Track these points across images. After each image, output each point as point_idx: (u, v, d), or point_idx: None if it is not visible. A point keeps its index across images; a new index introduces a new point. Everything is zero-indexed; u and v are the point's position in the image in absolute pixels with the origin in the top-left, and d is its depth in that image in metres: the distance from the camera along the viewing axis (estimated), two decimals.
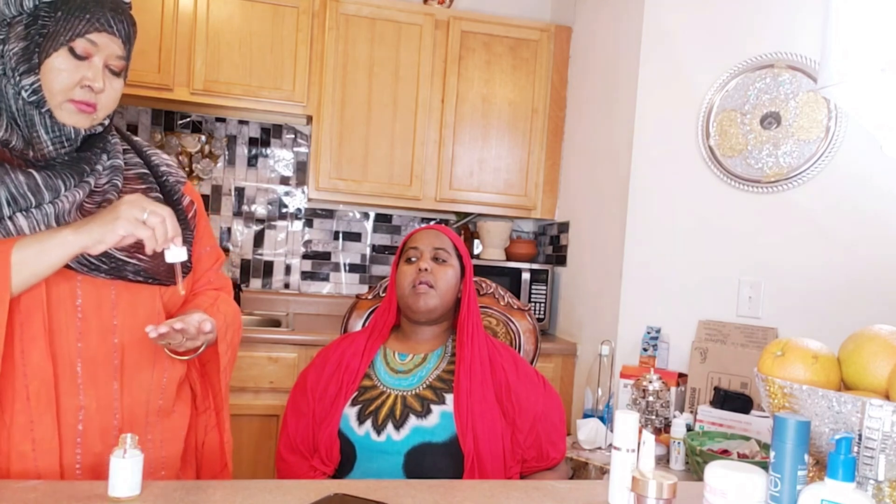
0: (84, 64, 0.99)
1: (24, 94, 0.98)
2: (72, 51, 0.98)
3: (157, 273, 1.07)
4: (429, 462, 1.22)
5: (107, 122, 1.06)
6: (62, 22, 0.97)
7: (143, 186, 1.10)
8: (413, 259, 1.35)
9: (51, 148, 1.00)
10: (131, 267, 1.04)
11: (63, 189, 0.99)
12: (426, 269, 1.32)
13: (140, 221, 0.95)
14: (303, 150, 3.01)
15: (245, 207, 2.97)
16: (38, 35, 0.97)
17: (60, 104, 0.99)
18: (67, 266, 0.98)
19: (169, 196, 1.13)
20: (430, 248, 1.36)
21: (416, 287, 1.31)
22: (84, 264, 1.00)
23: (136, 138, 1.18)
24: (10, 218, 0.96)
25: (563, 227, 2.86)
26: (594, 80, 2.69)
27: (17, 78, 0.97)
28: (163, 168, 1.14)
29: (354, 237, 3.09)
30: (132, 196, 0.98)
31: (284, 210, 3.01)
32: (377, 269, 3.11)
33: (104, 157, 1.06)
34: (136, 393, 1.08)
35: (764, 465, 0.90)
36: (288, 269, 3.03)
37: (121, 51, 1.02)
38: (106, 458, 0.94)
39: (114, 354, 1.05)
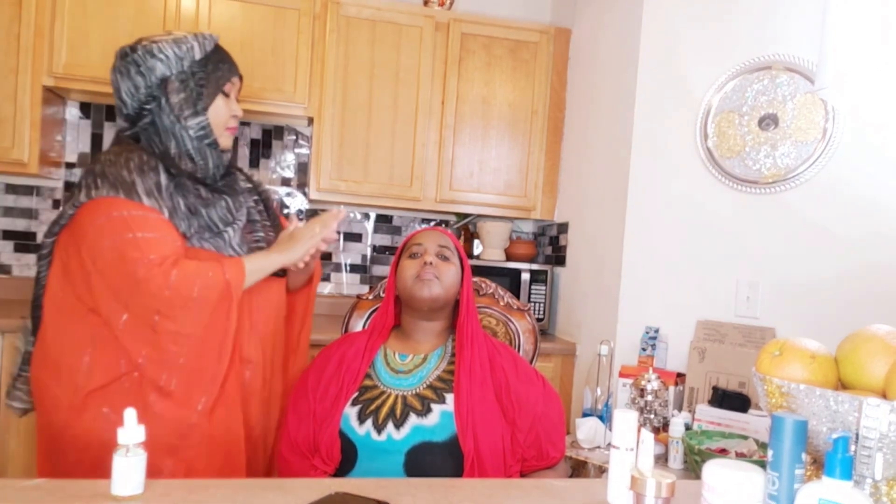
0: (229, 99, 1.35)
1: (192, 133, 1.28)
2: (224, 93, 1.33)
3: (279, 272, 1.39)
4: (429, 461, 1.23)
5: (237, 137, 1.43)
6: (213, 74, 1.31)
7: (254, 197, 1.43)
8: (417, 254, 1.36)
9: (211, 173, 1.32)
10: None
11: (239, 207, 1.35)
12: (430, 263, 1.33)
13: (315, 240, 1.33)
14: (304, 151, 3.02)
15: None
16: (197, 86, 1.29)
17: (221, 133, 1.34)
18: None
19: (267, 195, 1.46)
20: (435, 246, 1.37)
21: (420, 276, 1.32)
22: None
23: None
24: (223, 232, 1.30)
25: (563, 227, 2.87)
26: (593, 82, 2.70)
27: (184, 122, 1.27)
28: (247, 176, 1.47)
29: (355, 237, 3.09)
30: (306, 227, 1.35)
31: (286, 211, 3.02)
32: (378, 270, 3.11)
33: (234, 180, 1.39)
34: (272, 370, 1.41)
35: (762, 464, 0.90)
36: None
37: (240, 83, 1.38)
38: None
39: (267, 337, 1.36)
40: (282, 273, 1.37)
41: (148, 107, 1.28)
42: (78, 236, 1.23)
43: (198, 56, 1.29)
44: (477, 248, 3.08)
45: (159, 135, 1.28)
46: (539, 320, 2.78)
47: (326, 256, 3.05)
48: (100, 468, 1.12)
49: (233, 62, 1.36)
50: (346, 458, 1.26)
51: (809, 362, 0.95)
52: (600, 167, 2.57)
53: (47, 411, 1.26)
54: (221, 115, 1.33)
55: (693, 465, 1.80)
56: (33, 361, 1.30)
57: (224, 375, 1.25)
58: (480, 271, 2.67)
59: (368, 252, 3.11)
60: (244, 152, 2.97)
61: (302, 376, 1.40)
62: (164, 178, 1.24)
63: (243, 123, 2.96)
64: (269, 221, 1.43)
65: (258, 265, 1.28)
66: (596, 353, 2.27)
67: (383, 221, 3.13)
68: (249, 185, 1.44)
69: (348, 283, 3.08)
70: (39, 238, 2.79)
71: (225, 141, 1.35)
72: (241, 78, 1.37)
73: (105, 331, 1.21)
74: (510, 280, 2.79)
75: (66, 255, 1.25)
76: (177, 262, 1.18)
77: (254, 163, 2.97)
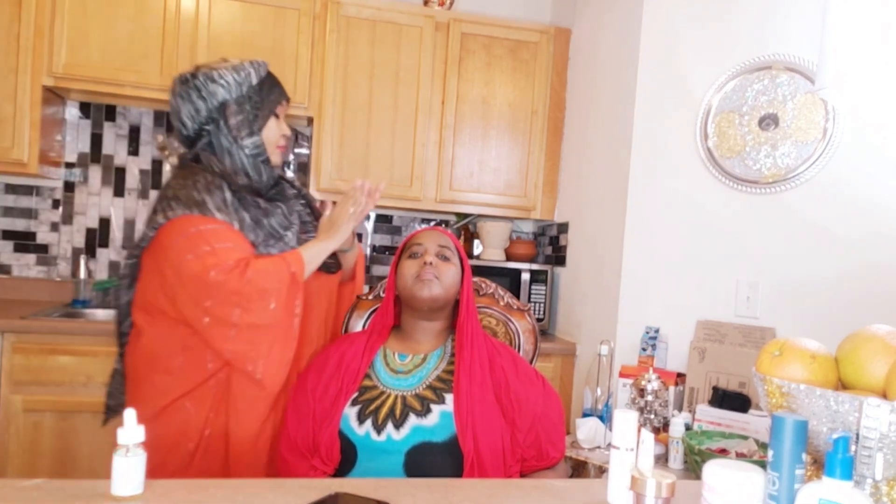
0: (279, 121, 1.47)
1: (247, 151, 1.42)
2: (275, 115, 1.46)
3: (330, 266, 1.53)
4: (429, 461, 1.23)
5: (290, 155, 1.57)
6: (267, 97, 1.44)
7: (301, 201, 1.58)
8: (417, 254, 1.36)
9: (266, 186, 1.46)
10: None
11: (292, 212, 1.50)
12: (430, 263, 1.33)
13: (353, 217, 1.45)
14: (304, 151, 3.02)
15: None
16: (253, 109, 1.42)
17: (273, 152, 1.47)
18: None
19: (310, 198, 1.60)
20: (435, 246, 1.37)
21: (420, 276, 1.32)
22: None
23: None
24: (283, 236, 1.45)
25: (563, 227, 2.87)
26: (593, 82, 2.70)
27: (240, 142, 1.41)
28: (291, 183, 1.61)
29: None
30: (340, 209, 1.45)
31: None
32: (378, 270, 3.11)
33: (283, 191, 1.51)
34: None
35: (762, 464, 0.90)
36: None
37: (287, 106, 1.50)
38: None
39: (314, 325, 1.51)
40: (334, 269, 1.54)
41: (207, 128, 1.41)
42: (159, 255, 1.35)
43: (254, 82, 1.42)
44: (477, 248, 3.08)
45: (217, 154, 1.41)
46: (539, 320, 2.78)
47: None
48: (185, 469, 1.33)
49: (282, 87, 1.49)
50: (346, 459, 1.26)
51: (810, 362, 0.95)
52: (600, 167, 2.57)
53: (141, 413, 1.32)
54: (273, 135, 1.46)
55: (693, 466, 1.80)
56: (127, 370, 1.46)
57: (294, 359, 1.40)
58: (480, 271, 2.67)
59: (368, 252, 3.11)
60: None
61: (301, 376, 1.39)
62: (228, 195, 1.39)
63: None
64: (316, 221, 1.58)
65: (313, 252, 1.40)
66: (596, 353, 2.27)
67: (383, 221, 3.13)
68: (294, 191, 1.58)
69: None
70: (39, 238, 2.80)
71: (276, 158, 1.49)
72: (288, 101, 1.51)
73: (194, 338, 1.35)
74: (510, 280, 2.79)
75: (150, 274, 1.39)
76: (248, 262, 1.32)
77: None
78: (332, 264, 1.53)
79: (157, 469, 1.24)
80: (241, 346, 1.31)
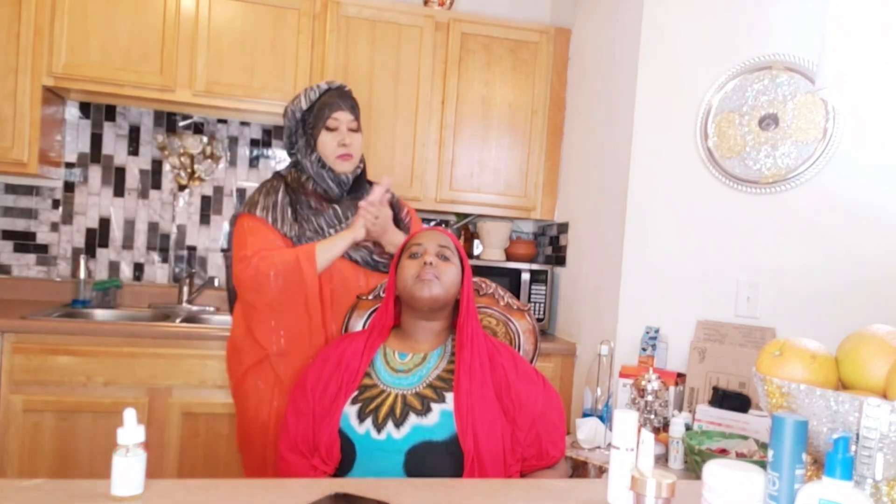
0: (335, 133, 1.69)
1: (313, 167, 1.70)
2: (327, 128, 1.69)
3: (379, 265, 1.72)
4: (429, 461, 1.23)
5: (362, 165, 1.75)
6: (317, 115, 1.69)
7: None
8: (417, 254, 1.37)
9: (336, 191, 1.72)
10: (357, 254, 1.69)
11: (347, 213, 1.72)
12: (430, 263, 1.33)
13: (368, 213, 1.63)
14: None
15: None
16: (308, 129, 1.70)
17: (334, 161, 1.69)
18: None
19: (394, 208, 1.76)
20: (435, 246, 1.37)
21: (420, 276, 1.32)
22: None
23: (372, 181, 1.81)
24: (327, 233, 1.67)
25: (563, 227, 2.87)
26: (593, 82, 2.70)
27: (308, 157, 1.70)
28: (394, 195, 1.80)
29: None
30: (360, 209, 1.64)
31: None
32: None
33: (362, 193, 1.71)
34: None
35: (762, 465, 0.90)
36: None
37: (351, 116, 1.71)
38: None
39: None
40: (384, 269, 1.71)
41: (293, 149, 1.76)
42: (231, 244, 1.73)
43: (304, 107, 1.70)
44: (477, 248, 3.08)
45: (298, 165, 1.74)
46: (539, 320, 2.78)
47: None
48: (264, 444, 1.60)
49: (338, 100, 1.70)
50: (346, 458, 1.26)
51: (810, 362, 0.95)
52: (600, 167, 2.57)
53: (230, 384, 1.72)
54: (328, 146, 1.69)
55: (693, 466, 1.80)
56: (227, 348, 1.73)
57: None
58: (480, 271, 2.67)
59: None
60: (244, 152, 2.97)
61: (301, 375, 1.40)
62: (281, 196, 1.68)
63: (243, 123, 2.96)
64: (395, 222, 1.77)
65: (326, 245, 1.62)
66: (596, 353, 2.27)
67: None
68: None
69: None
70: (39, 238, 2.80)
71: (339, 167, 1.71)
72: (349, 109, 1.70)
73: (251, 321, 1.64)
74: (510, 280, 2.79)
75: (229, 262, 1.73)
76: (260, 254, 1.58)
77: (253, 162, 2.97)
78: (382, 263, 1.72)
79: (245, 443, 1.66)
80: (262, 326, 1.59)
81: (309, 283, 1.59)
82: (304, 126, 1.71)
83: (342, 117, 1.70)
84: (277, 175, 1.76)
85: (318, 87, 1.72)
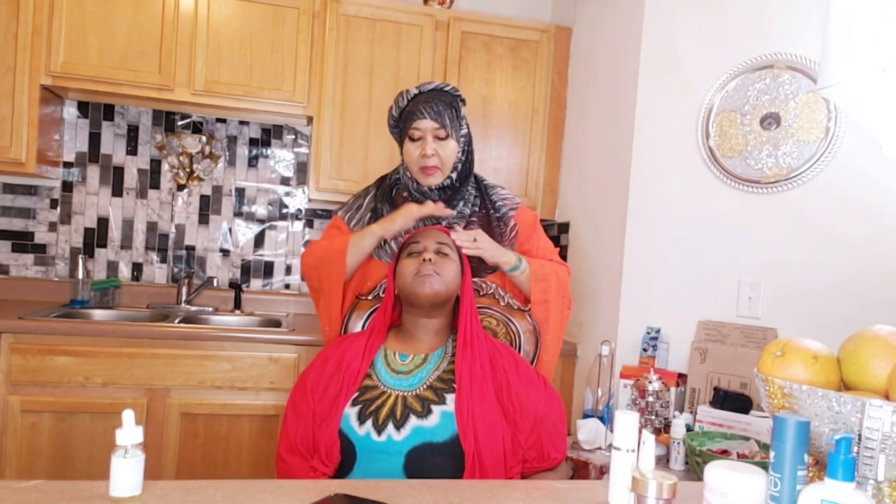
0: (419, 143, 1.55)
1: (402, 171, 1.62)
2: (410, 138, 1.56)
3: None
4: (429, 462, 1.22)
5: (454, 176, 1.57)
6: (404, 125, 1.58)
7: (477, 224, 1.62)
8: (416, 252, 1.36)
9: (421, 197, 1.59)
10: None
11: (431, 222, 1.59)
12: (430, 259, 1.33)
13: (409, 216, 1.52)
14: (303, 150, 3.01)
15: (245, 208, 2.98)
16: (399, 136, 1.61)
17: (416, 172, 1.57)
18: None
19: (500, 220, 1.64)
20: (434, 243, 1.37)
21: (420, 273, 1.32)
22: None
23: (487, 182, 1.68)
24: (400, 239, 1.55)
25: (563, 227, 2.86)
26: (594, 81, 2.69)
27: (402, 164, 1.61)
28: (499, 202, 1.65)
29: None
30: (406, 205, 1.55)
31: (285, 210, 3.02)
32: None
33: (461, 204, 1.60)
34: None
35: (764, 466, 0.90)
36: (288, 270, 3.03)
37: (437, 125, 1.54)
38: None
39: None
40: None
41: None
42: None
43: (395, 114, 1.61)
44: None
45: (398, 172, 1.67)
46: None
47: None
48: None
49: (421, 107, 1.55)
50: (346, 459, 1.25)
51: (812, 363, 0.94)
52: (601, 167, 2.57)
53: None
54: (411, 157, 1.58)
55: (694, 467, 1.80)
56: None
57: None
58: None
59: None
60: (243, 151, 2.96)
61: (301, 377, 1.39)
62: (368, 200, 1.65)
63: (242, 123, 2.95)
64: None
65: (359, 235, 1.56)
66: (597, 354, 2.27)
67: None
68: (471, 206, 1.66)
69: None
70: (37, 238, 2.79)
71: (424, 180, 1.57)
72: (433, 116, 1.55)
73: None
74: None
75: None
76: (311, 244, 1.62)
77: (252, 162, 2.97)
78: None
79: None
80: (318, 312, 1.60)
81: (335, 274, 1.54)
82: (399, 134, 1.61)
83: (424, 126, 1.54)
84: (382, 177, 1.71)
85: (407, 94, 1.59)
